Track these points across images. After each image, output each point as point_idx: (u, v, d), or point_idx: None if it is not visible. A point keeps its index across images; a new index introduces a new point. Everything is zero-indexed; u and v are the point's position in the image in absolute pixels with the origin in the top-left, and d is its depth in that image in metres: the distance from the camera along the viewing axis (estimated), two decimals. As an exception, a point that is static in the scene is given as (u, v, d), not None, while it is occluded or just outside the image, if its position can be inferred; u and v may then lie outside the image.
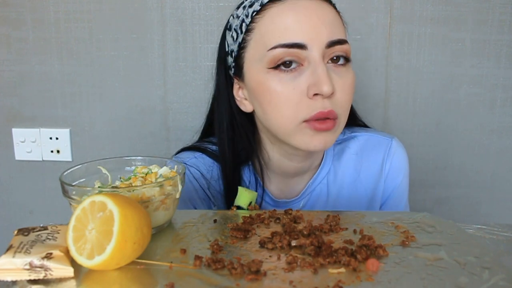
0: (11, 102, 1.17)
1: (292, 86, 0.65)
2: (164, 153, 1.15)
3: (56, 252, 0.45)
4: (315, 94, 0.64)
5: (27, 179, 1.21)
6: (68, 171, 0.58)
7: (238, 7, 0.73)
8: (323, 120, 0.65)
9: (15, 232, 0.49)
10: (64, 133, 1.17)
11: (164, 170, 0.59)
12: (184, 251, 0.49)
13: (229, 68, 0.75)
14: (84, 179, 0.59)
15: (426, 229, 0.55)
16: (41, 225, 0.51)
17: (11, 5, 1.12)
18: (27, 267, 0.44)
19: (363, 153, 0.81)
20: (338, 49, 0.66)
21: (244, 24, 0.70)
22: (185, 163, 0.78)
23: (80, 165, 0.60)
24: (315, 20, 0.65)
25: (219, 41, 0.78)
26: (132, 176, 0.58)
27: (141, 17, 1.11)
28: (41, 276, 0.44)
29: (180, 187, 0.56)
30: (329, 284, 0.42)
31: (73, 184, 0.57)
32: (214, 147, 0.81)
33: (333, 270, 0.45)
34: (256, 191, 0.76)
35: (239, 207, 0.66)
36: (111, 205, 0.45)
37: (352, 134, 0.83)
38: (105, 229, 0.44)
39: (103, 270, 0.46)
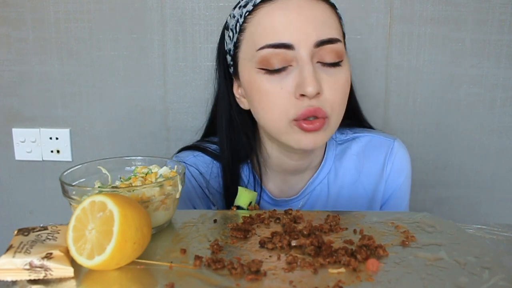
0: (11, 102, 1.17)
1: (280, 86, 0.65)
2: (164, 153, 1.15)
3: (56, 252, 0.45)
4: (302, 95, 0.64)
5: (27, 179, 1.21)
6: (68, 171, 0.58)
7: (235, 7, 0.74)
8: (311, 120, 0.65)
9: (15, 232, 0.49)
10: (64, 133, 1.17)
11: (164, 170, 0.59)
12: (184, 251, 0.49)
13: (228, 67, 0.75)
14: (84, 179, 0.59)
15: (426, 229, 0.55)
16: (41, 225, 0.51)
17: (11, 5, 1.12)
18: (27, 267, 0.44)
19: (365, 153, 0.81)
20: (328, 49, 0.65)
21: (238, 24, 0.70)
22: (184, 162, 0.78)
23: (80, 165, 0.60)
24: (304, 20, 0.65)
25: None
26: (132, 176, 0.58)
27: (141, 17, 1.11)
28: (41, 276, 0.44)
29: (180, 187, 0.56)
30: (329, 284, 0.42)
31: (73, 184, 0.57)
32: (214, 146, 0.81)
33: (333, 270, 0.45)
34: (255, 189, 0.76)
35: (239, 207, 0.66)
36: (111, 205, 0.45)
37: (355, 135, 0.83)
38: (105, 229, 0.44)
39: (103, 270, 0.46)
